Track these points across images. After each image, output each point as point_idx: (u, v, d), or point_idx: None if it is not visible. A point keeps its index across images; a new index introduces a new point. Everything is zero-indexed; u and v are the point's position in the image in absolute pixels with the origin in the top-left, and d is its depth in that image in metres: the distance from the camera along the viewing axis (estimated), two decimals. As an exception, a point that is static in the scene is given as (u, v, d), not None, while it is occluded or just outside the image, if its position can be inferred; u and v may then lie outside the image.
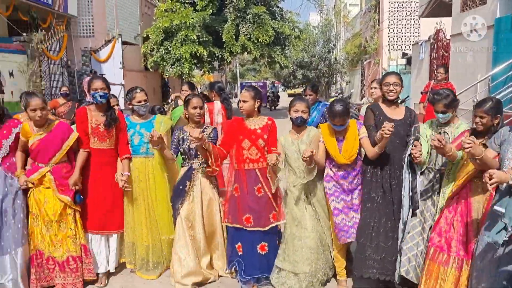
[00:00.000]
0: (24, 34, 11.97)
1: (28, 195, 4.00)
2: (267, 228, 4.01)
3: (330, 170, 4.00)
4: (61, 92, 8.91)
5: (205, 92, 7.15)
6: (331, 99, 13.87)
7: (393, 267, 3.76)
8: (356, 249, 3.95)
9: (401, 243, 3.73)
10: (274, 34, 17.86)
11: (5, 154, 3.99)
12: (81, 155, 4.12)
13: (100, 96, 4.10)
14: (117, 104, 5.35)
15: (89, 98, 9.34)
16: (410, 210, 3.67)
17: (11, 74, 10.98)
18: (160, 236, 4.27)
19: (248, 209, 4.00)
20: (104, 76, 10.56)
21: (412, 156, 3.58)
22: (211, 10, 17.63)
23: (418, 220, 3.76)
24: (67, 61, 14.51)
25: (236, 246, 4.12)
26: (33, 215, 3.97)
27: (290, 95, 36.02)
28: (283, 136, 4.11)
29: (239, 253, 4.10)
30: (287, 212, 4.04)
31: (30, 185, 3.95)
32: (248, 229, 4.01)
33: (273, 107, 25.42)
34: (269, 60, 19.53)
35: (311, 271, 3.92)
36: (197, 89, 8.52)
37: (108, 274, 4.35)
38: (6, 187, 3.92)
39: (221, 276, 4.29)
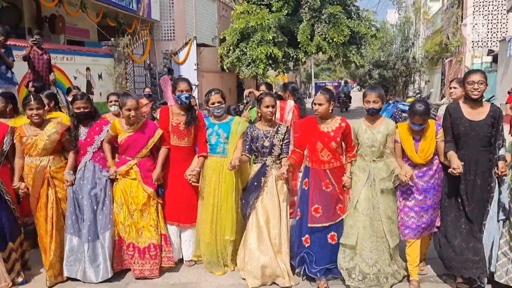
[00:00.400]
0: (112, 39, 12.79)
1: (114, 185, 4.37)
2: (335, 222, 4.11)
3: None
4: (144, 93, 9.47)
5: (279, 93, 7.24)
6: (409, 99, 13.43)
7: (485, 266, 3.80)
8: (450, 250, 3.92)
9: (491, 248, 3.79)
10: (350, 33, 17.57)
11: (96, 149, 4.37)
12: (163, 152, 4.41)
13: (186, 98, 4.37)
14: (196, 104, 5.61)
15: (168, 97, 9.76)
16: (501, 222, 3.78)
17: (100, 76, 11.81)
18: (222, 237, 4.37)
19: (317, 201, 4.12)
20: (182, 76, 11.05)
21: (498, 175, 3.72)
22: (286, 11, 17.71)
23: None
24: (149, 63, 15.28)
25: (303, 238, 4.19)
26: (117, 204, 4.32)
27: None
28: (357, 122, 4.19)
29: (306, 245, 4.16)
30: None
31: (118, 176, 4.31)
32: (317, 225, 4.10)
33: (344, 109, 23.66)
34: (344, 59, 19.25)
35: (356, 249, 3.99)
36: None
37: (184, 266, 4.59)
38: (95, 178, 4.30)
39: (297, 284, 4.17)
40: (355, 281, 3.99)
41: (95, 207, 4.25)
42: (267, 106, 4.25)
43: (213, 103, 4.40)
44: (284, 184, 4.30)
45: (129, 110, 4.22)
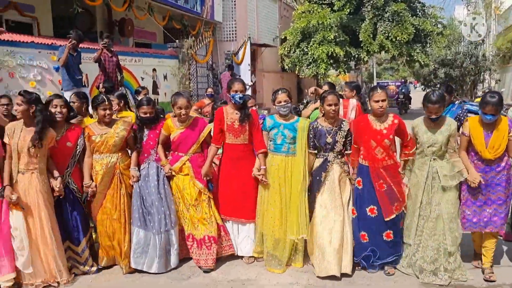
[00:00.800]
0: (177, 40, 13.22)
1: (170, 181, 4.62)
2: (389, 218, 4.16)
3: (472, 162, 3.99)
4: (207, 93, 9.70)
5: (340, 92, 7.22)
6: (477, 99, 12.80)
7: None
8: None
9: None
10: (414, 31, 17.01)
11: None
12: (212, 150, 4.58)
13: (240, 98, 4.49)
14: (255, 105, 5.71)
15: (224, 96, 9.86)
16: None
17: (165, 77, 12.25)
18: (295, 234, 4.39)
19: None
20: (240, 77, 11.23)
21: None
22: (348, 10, 17.45)
23: None
24: (212, 64, 15.62)
25: (360, 234, 4.26)
26: (175, 198, 4.59)
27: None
28: (416, 121, 4.21)
29: (364, 241, 4.24)
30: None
31: (173, 173, 4.55)
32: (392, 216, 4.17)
33: (403, 110, 22.16)
34: (408, 58, 18.62)
35: (411, 244, 4.15)
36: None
37: (243, 263, 4.66)
38: (158, 175, 4.53)
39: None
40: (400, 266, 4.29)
41: (163, 203, 4.47)
42: (330, 105, 4.32)
43: (279, 102, 4.48)
44: (348, 180, 4.39)
45: (180, 108, 4.47)
